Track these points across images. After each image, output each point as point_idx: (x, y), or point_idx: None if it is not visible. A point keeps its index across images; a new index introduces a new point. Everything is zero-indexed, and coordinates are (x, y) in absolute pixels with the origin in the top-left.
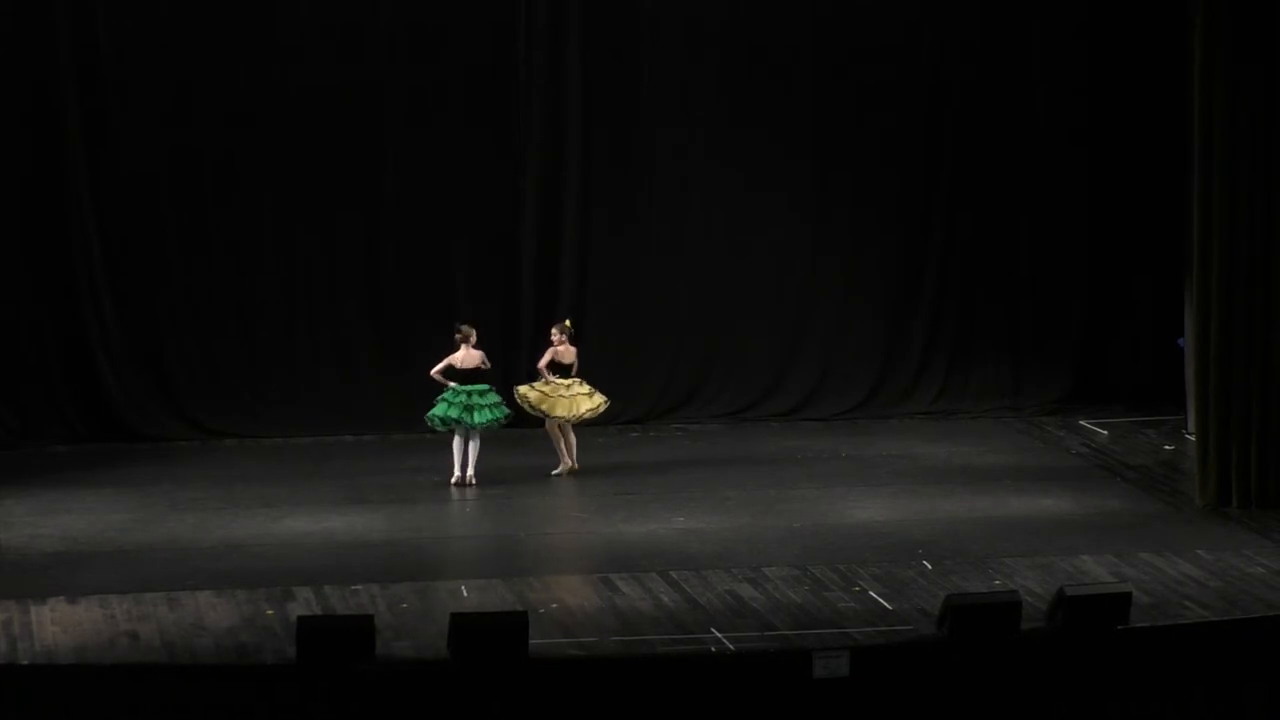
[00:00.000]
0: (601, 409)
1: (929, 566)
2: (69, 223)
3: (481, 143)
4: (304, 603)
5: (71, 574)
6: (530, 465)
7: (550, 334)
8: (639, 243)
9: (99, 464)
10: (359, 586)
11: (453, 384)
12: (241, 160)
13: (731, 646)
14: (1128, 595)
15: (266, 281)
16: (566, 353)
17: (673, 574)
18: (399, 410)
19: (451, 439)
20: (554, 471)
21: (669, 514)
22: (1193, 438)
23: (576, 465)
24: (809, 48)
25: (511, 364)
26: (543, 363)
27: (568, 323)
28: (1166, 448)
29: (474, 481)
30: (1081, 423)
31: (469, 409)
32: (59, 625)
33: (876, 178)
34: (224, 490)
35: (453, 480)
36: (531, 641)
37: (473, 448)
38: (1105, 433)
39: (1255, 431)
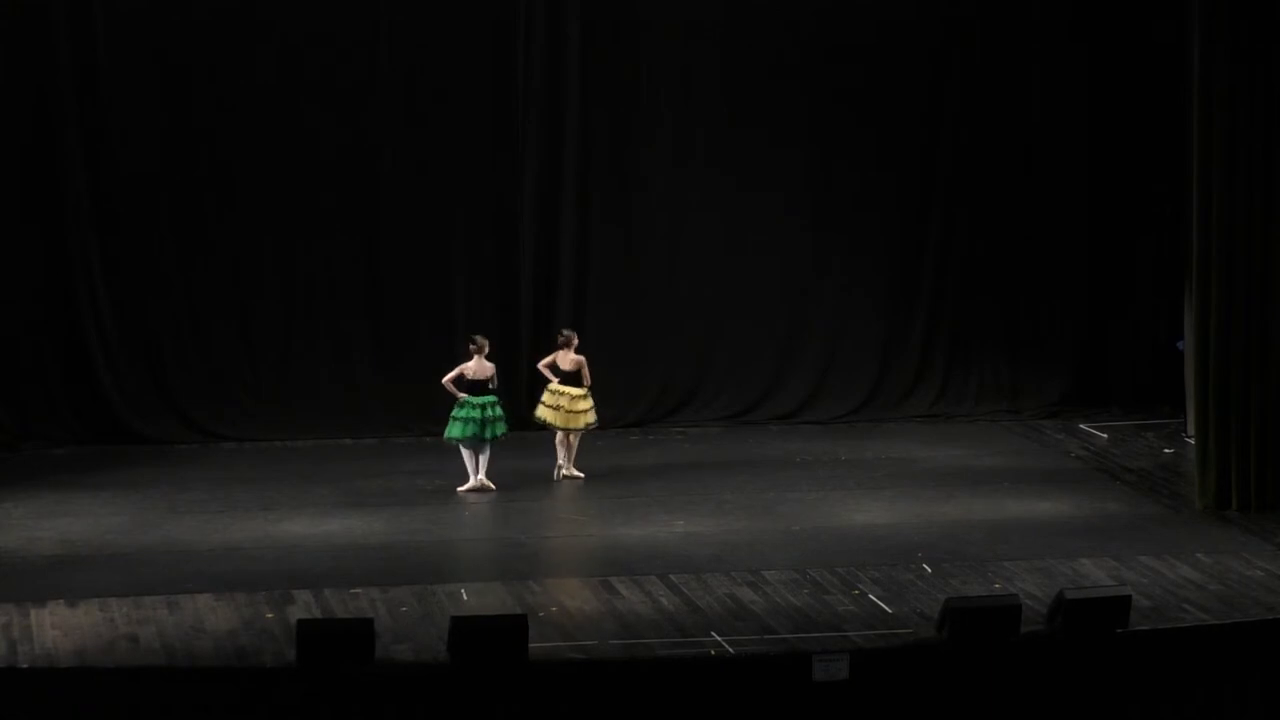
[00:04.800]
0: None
1: (928, 570)
2: (67, 225)
3: (481, 143)
4: (303, 606)
5: (71, 577)
6: (529, 468)
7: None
8: (639, 243)
9: (98, 466)
10: (358, 590)
11: (463, 395)
12: (240, 164)
13: (731, 650)
14: (1127, 598)
15: (265, 283)
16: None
17: (672, 577)
18: (398, 413)
19: (459, 448)
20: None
21: (668, 517)
22: (1192, 441)
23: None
24: (808, 47)
25: (511, 365)
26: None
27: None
28: (1166, 451)
29: (493, 486)
30: (1081, 426)
31: (484, 424)
32: (58, 628)
33: (876, 178)
34: (223, 493)
35: (468, 486)
36: (531, 645)
37: (483, 458)
38: (1105, 436)
39: (1255, 434)
